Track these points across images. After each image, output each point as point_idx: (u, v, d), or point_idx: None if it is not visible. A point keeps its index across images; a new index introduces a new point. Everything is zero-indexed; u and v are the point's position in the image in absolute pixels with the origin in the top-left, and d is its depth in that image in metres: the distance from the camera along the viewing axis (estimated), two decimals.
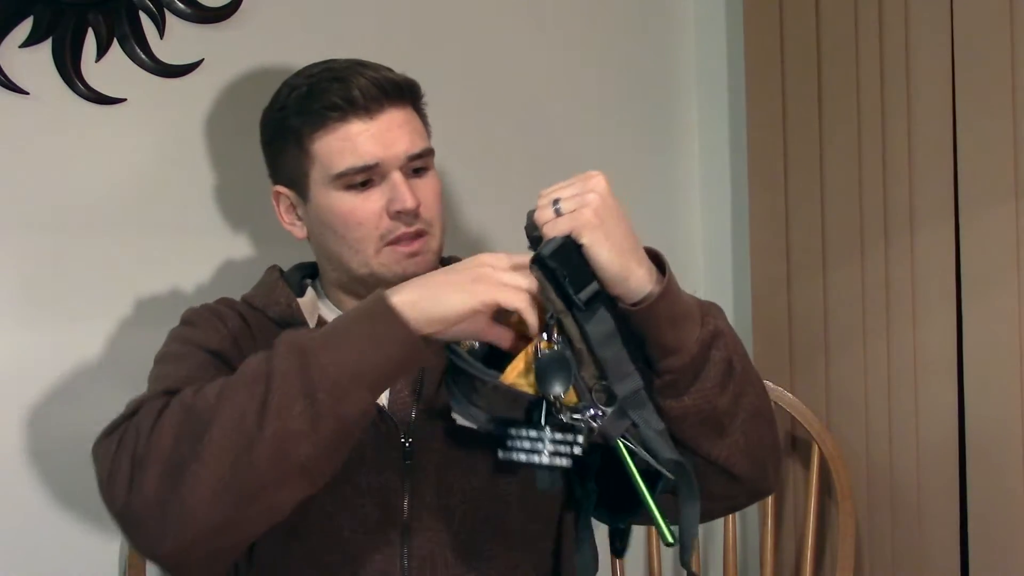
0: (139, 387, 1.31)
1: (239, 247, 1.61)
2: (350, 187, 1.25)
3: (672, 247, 2.04)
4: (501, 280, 1.04)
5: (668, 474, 1.09)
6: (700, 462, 1.16)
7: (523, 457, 1.05)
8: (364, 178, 1.24)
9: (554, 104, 1.90)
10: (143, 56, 1.53)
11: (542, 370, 1.06)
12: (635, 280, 1.08)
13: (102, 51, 1.50)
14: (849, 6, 1.75)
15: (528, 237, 1.11)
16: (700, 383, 1.13)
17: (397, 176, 1.24)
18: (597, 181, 1.10)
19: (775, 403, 1.77)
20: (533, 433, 1.05)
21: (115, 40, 1.51)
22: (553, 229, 1.06)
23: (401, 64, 1.31)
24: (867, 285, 1.75)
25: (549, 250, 1.06)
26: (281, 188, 1.32)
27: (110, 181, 1.52)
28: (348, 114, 1.23)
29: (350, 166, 1.23)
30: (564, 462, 1.05)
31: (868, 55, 1.73)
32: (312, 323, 1.28)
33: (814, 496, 1.76)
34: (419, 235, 1.26)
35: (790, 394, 1.79)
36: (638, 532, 1.91)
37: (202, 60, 1.57)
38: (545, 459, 1.05)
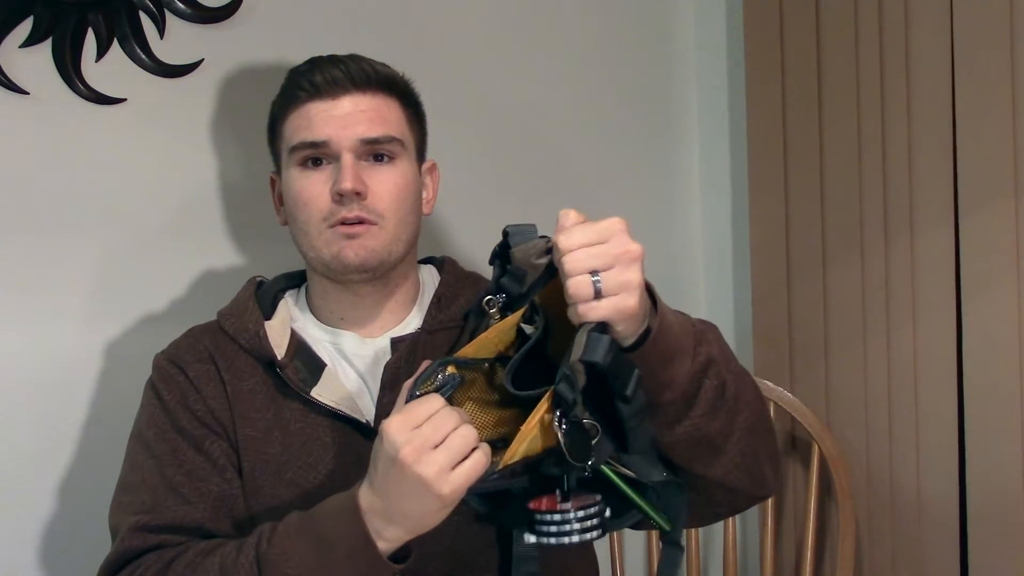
0: (139, 387, 1.31)
1: (239, 247, 1.61)
2: (303, 165, 1.25)
3: (672, 248, 2.05)
4: (447, 470, 1.01)
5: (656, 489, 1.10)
6: (697, 480, 1.15)
7: (553, 541, 1.04)
8: (313, 154, 1.24)
9: (554, 105, 1.90)
10: (143, 56, 1.53)
11: (573, 441, 1.01)
12: (636, 323, 1.03)
13: (102, 51, 1.50)
14: (849, 6, 1.75)
15: (502, 261, 1.07)
16: (692, 412, 1.10)
17: (346, 158, 1.23)
18: (637, 252, 0.99)
19: (775, 403, 1.78)
20: (558, 516, 1.03)
21: (115, 40, 1.51)
22: (593, 313, 0.98)
23: (400, 64, 1.31)
24: (867, 285, 1.75)
25: (601, 355, 0.97)
26: (274, 175, 1.35)
27: (110, 181, 1.52)
28: (312, 96, 1.24)
29: (301, 140, 1.24)
30: (595, 535, 1.05)
31: (868, 55, 1.73)
32: (281, 351, 1.26)
33: (814, 496, 1.76)
34: (361, 223, 1.24)
35: (790, 394, 1.80)
36: (638, 532, 1.92)
37: (202, 60, 1.57)
38: (576, 538, 1.04)
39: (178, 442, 1.24)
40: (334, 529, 1.07)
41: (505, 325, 1.08)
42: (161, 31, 1.54)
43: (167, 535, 1.19)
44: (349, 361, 1.29)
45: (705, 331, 1.13)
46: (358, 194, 1.22)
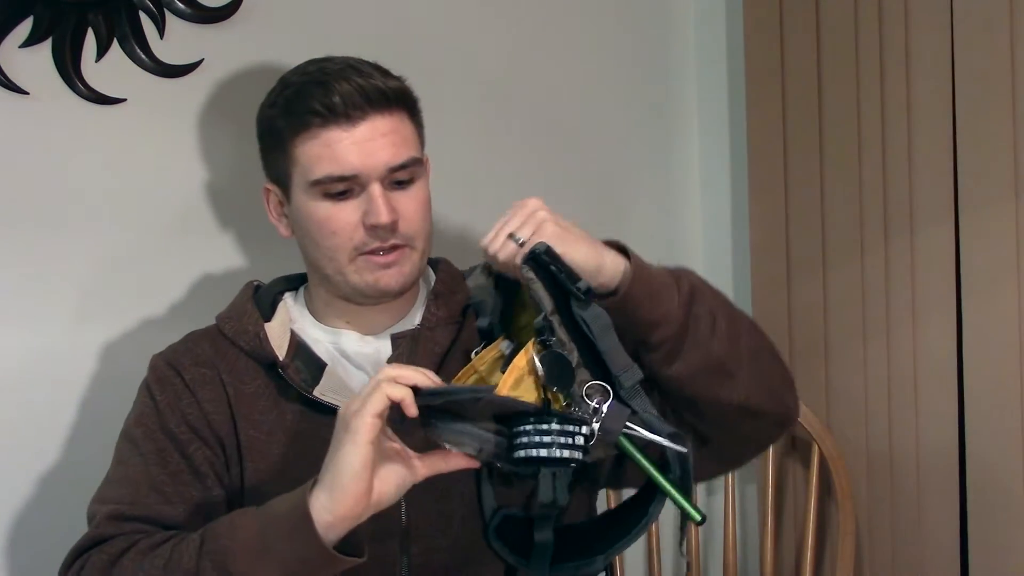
0: (135, 388, 1.31)
1: (239, 247, 1.61)
2: (328, 195, 1.23)
3: (672, 247, 2.05)
4: (366, 400, 1.03)
5: (675, 446, 1.08)
6: (723, 410, 1.20)
7: (533, 452, 1.02)
8: (342, 188, 1.22)
9: (554, 105, 1.90)
10: (143, 56, 1.53)
11: (551, 367, 1.06)
12: (610, 264, 1.15)
13: (102, 51, 1.50)
14: (849, 6, 1.75)
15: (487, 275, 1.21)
16: (693, 339, 1.18)
17: (375, 189, 1.22)
18: (535, 202, 1.17)
19: None
20: (543, 426, 1.02)
21: (115, 40, 1.51)
22: (523, 253, 1.12)
23: (400, 63, 1.31)
24: (867, 285, 1.75)
25: (543, 247, 1.10)
26: (270, 185, 1.32)
27: (110, 181, 1.52)
28: (329, 121, 1.21)
29: (327, 174, 1.22)
30: (575, 454, 1.03)
31: (868, 55, 1.73)
32: (282, 352, 1.26)
33: (814, 496, 1.76)
34: (395, 249, 1.25)
35: None
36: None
37: (202, 60, 1.57)
38: (556, 452, 1.02)
39: (165, 443, 1.24)
40: (280, 502, 1.08)
41: (483, 362, 1.19)
42: (161, 31, 1.54)
43: (141, 525, 1.19)
44: (351, 360, 1.30)
45: (681, 270, 1.23)
46: (394, 225, 1.23)
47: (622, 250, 1.18)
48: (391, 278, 1.25)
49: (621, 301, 1.14)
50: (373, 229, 1.22)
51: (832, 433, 1.78)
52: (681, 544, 1.15)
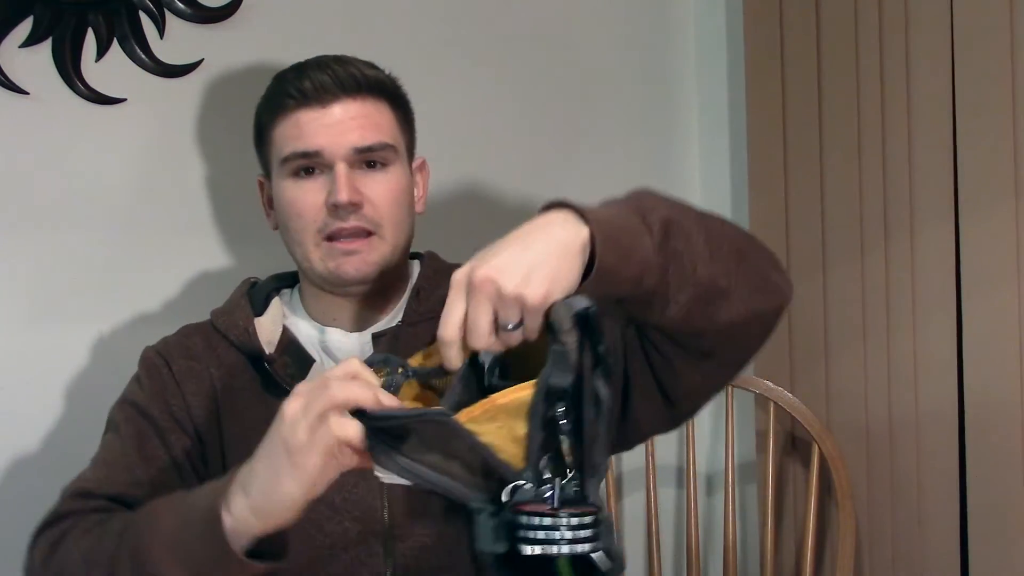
0: None
1: (239, 247, 1.61)
2: (295, 175, 1.23)
3: None
4: (328, 413, 0.90)
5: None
6: (726, 331, 1.10)
7: (538, 549, 0.87)
8: (306, 164, 1.22)
9: (553, 104, 1.90)
10: (143, 56, 1.53)
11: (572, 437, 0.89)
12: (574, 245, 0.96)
13: (102, 51, 1.50)
14: (849, 6, 1.75)
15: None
16: (679, 278, 1.03)
17: (340, 168, 1.21)
18: (483, 282, 0.92)
19: (775, 403, 1.78)
20: (547, 521, 0.87)
21: (115, 40, 1.51)
22: (535, 330, 0.93)
23: (399, 62, 1.31)
24: (867, 285, 1.75)
25: (594, 308, 0.90)
26: (262, 178, 1.33)
27: (110, 181, 1.52)
28: (301, 103, 1.22)
29: (292, 150, 1.22)
30: (586, 548, 0.88)
31: (868, 55, 1.73)
32: (271, 347, 1.25)
33: (814, 496, 1.76)
34: (359, 233, 1.22)
35: (790, 394, 1.79)
36: (639, 529, 1.92)
37: (202, 60, 1.57)
38: (566, 548, 0.87)
39: (144, 428, 1.23)
40: (198, 496, 1.01)
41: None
42: (161, 31, 1.54)
43: (104, 502, 1.16)
44: (333, 356, 1.29)
45: (642, 199, 1.06)
46: (354, 205, 1.21)
47: (559, 208, 0.98)
48: (351, 265, 1.22)
49: (596, 279, 0.96)
50: (334, 209, 1.21)
51: (832, 433, 1.78)
52: None
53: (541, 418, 0.89)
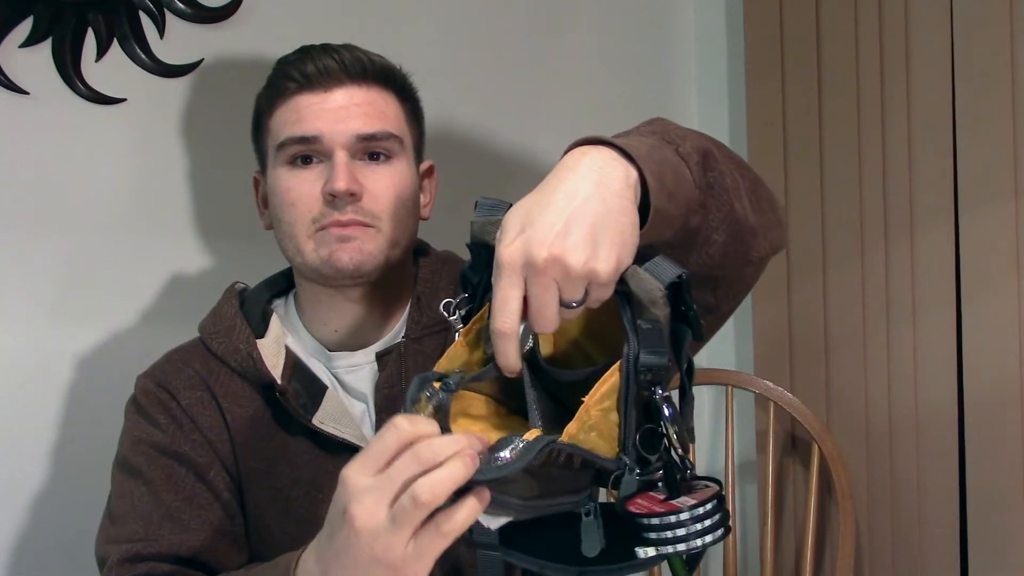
0: (122, 388, 1.30)
1: (239, 247, 1.61)
2: (292, 162, 1.15)
3: None
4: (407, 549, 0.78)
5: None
6: (749, 271, 1.04)
7: (669, 549, 0.80)
8: (303, 152, 1.14)
9: (553, 102, 1.90)
10: (143, 56, 1.53)
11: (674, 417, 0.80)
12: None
13: (102, 51, 1.50)
14: (849, 6, 1.76)
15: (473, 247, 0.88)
16: (717, 216, 0.94)
17: (339, 155, 1.13)
18: (545, 262, 0.81)
19: (775, 403, 1.78)
20: (671, 518, 0.79)
21: (115, 40, 1.51)
22: (601, 301, 0.82)
23: (398, 61, 1.31)
24: (867, 285, 1.75)
25: (686, 275, 0.82)
26: (258, 175, 1.25)
27: (110, 181, 1.52)
28: (303, 87, 1.14)
29: (289, 135, 1.14)
30: (720, 535, 0.81)
31: (868, 55, 1.73)
32: (278, 372, 1.15)
33: (814, 496, 1.76)
34: (355, 225, 1.13)
35: (790, 394, 1.79)
36: None
37: (202, 60, 1.57)
38: (697, 542, 0.80)
39: (174, 467, 1.14)
40: (270, 569, 0.95)
41: (470, 334, 0.90)
42: (161, 31, 1.54)
43: (155, 564, 1.09)
44: (343, 383, 1.20)
45: (667, 128, 0.99)
46: (352, 195, 1.12)
47: (594, 145, 0.90)
48: (346, 253, 1.12)
49: (651, 226, 0.86)
50: (331, 199, 1.12)
51: (832, 433, 1.78)
52: None
53: (636, 402, 0.81)
